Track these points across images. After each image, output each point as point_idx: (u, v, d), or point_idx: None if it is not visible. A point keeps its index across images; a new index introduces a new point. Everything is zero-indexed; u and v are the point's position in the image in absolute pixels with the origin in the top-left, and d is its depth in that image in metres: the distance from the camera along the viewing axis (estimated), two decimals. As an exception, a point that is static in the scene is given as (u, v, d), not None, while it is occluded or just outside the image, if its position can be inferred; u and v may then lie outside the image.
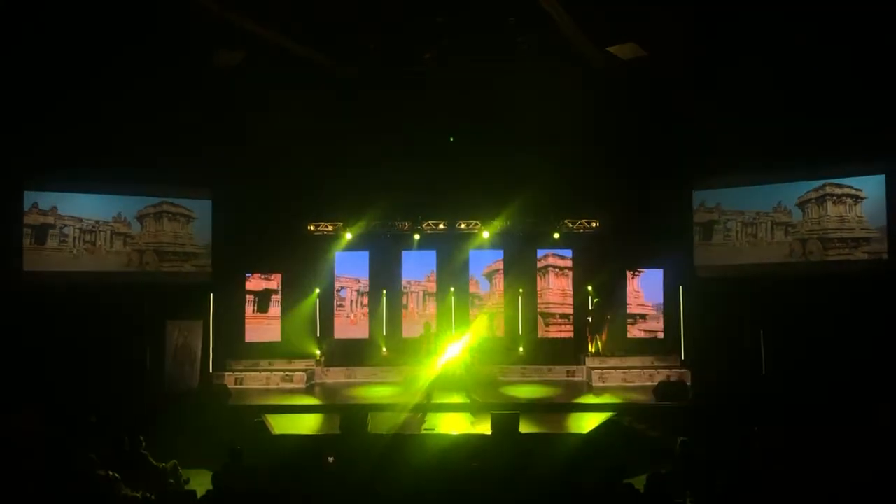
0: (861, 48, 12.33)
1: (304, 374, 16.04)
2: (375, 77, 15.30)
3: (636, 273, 16.96)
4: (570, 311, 17.32)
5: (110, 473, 7.69)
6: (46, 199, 15.21)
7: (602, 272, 16.81)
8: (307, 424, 12.89)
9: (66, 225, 15.33)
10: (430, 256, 17.77)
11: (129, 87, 13.85)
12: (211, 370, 15.87)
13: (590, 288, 17.00)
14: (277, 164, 15.74)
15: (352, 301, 17.64)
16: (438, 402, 13.66)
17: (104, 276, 15.48)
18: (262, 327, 17.03)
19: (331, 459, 9.20)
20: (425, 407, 13.31)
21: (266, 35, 13.08)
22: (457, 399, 14.00)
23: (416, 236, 17.33)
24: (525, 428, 11.75)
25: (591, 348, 16.71)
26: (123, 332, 14.64)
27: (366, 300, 17.64)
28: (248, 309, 16.99)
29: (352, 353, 17.25)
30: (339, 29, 13.52)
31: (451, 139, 16.52)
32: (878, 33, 11.97)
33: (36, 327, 14.00)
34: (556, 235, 17.05)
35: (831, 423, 9.54)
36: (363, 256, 17.70)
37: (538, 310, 17.46)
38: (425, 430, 12.16)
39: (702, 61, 13.92)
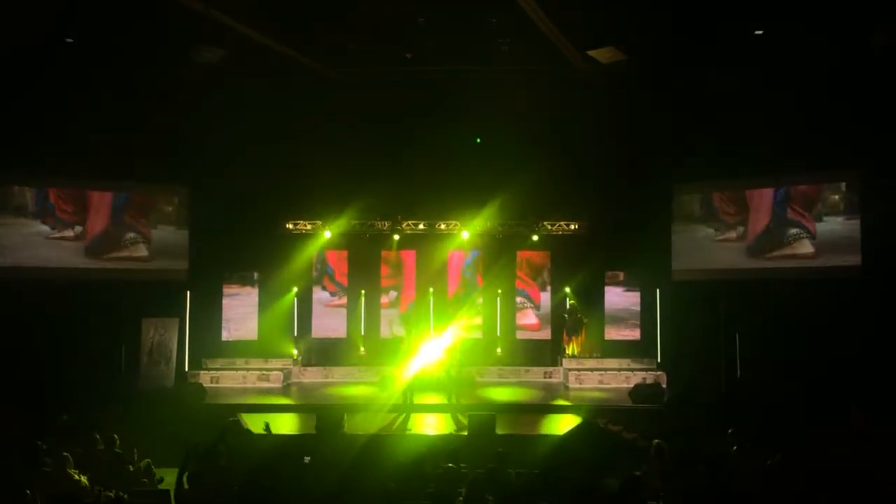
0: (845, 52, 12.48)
1: (280, 373, 15.96)
2: (356, 77, 15.27)
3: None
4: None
5: (81, 476, 7.61)
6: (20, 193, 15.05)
7: (580, 274, 16.88)
8: (283, 424, 12.82)
9: (40, 219, 15.15)
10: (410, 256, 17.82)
11: (108, 83, 13.70)
12: (187, 368, 15.77)
13: (567, 290, 17.08)
14: (256, 162, 15.63)
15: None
16: (418, 403, 13.65)
17: (79, 272, 15.29)
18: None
19: (307, 460, 9.15)
20: (405, 408, 13.30)
21: (248, 34, 13.00)
22: (436, 400, 13.99)
23: (396, 236, 17.33)
24: (502, 429, 11.81)
25: (569, 350, 16.79)
26: (98, 329, 14.49)
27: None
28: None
29: (329, 353, 17.22)
30: (320, 28, 13.47)
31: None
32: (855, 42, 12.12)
33: (7, 324, 13.77)
34: (535, 237, 17.13)
35: (805, 425, 9.65)
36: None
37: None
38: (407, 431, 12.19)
39: (681, 65, 14.03)
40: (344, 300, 17.60)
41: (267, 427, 10.40)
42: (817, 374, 12.87)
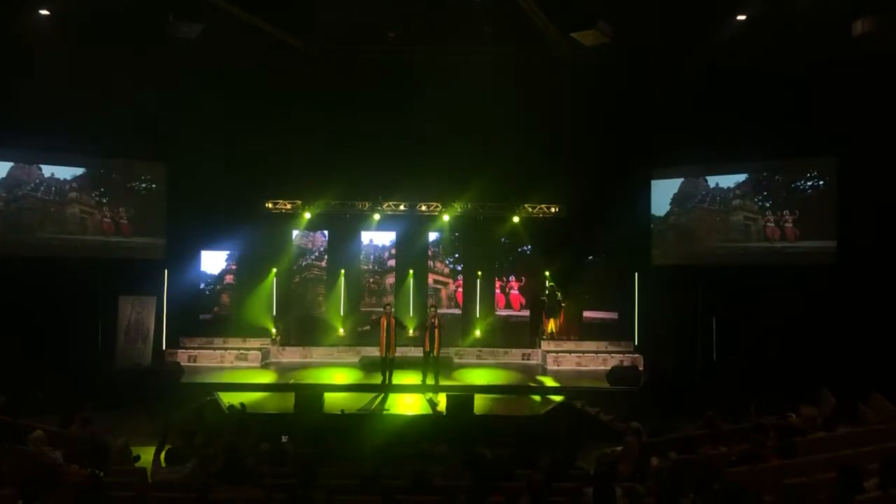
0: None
1: (259, 352, 15.91)
2: (338, 55, 15.14)
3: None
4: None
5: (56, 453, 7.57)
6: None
7: (560, 257, 16.93)
8: (261, 403, 12.80)
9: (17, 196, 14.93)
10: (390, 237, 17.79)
11: (84, 57, 13.45)
12: (164, 347, 15.67)
13: (547, 272, 17.14)
14: (236, 141, 15.47)
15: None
16: (396, 383, 13.68)
17: (55, 248, 15.07)
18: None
19: (285, 439, 9.18)
20: (383, 388, 13.34)
21: (228, 9, 12.80)
22: (415, 380, 14.02)
23: (376, 216, 17.29)
24: (480, 410, 11.87)
25: (547, 332, 16.88)
26: (75, 306, 14.33)
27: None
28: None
29: (308, 333, 17.19)
30: (302, 6, 13.32)
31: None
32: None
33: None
34: (516, 219, 17.17)
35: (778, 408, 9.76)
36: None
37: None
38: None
39: (662, 51, 14.04)
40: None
41: (242, 406, 10.43)
42: (792, 358, 13.04)
